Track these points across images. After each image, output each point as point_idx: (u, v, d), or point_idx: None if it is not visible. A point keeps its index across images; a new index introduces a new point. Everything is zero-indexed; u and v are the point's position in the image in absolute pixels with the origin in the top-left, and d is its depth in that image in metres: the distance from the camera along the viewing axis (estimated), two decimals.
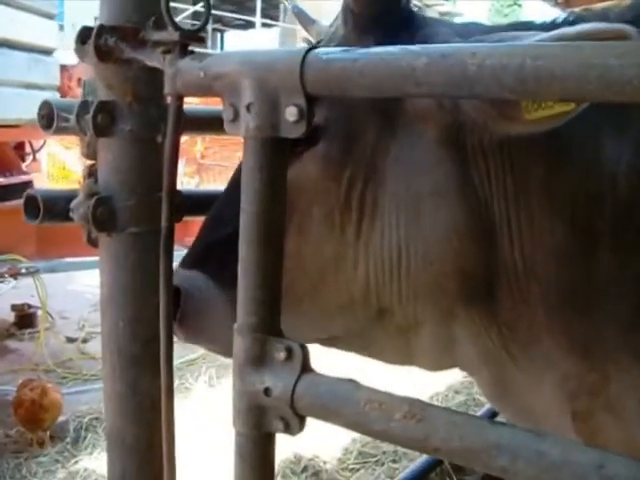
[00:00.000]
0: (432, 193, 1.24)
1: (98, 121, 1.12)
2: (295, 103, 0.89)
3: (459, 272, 1.26)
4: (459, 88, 0.78)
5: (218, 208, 1.38)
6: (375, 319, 1.33)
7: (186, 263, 1.33)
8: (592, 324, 1.22)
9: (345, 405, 0.89)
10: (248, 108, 0.92)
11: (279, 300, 0.97)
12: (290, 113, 0.89)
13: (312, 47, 0.90)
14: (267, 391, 0.94)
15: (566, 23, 1.27)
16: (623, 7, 1.31)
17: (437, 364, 1.45)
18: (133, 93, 1.14)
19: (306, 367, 0.93)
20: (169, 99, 1.08)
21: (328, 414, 0.91)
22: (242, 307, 0.96)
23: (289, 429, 0.95)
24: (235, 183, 1.38)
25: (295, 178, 1.20)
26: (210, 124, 1.39)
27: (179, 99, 1.05)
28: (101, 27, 1.10)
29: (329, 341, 1.40)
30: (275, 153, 0.92)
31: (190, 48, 1.05)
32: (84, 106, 1.14)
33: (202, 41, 1.06)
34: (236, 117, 0.94)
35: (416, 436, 0.84)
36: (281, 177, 0.94)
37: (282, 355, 0.94)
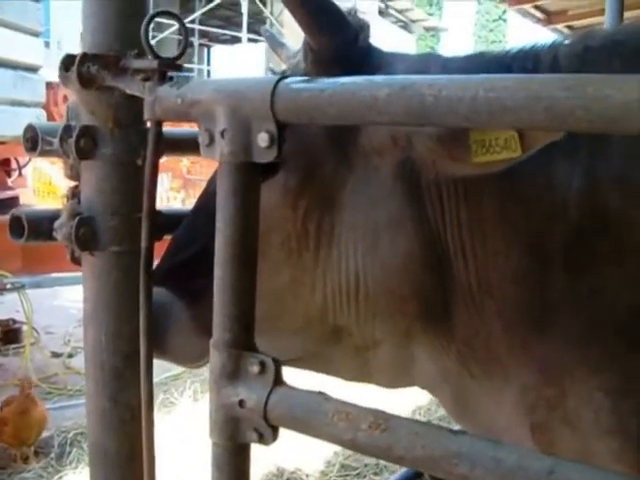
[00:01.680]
0: (388, 225, 1.29)
1: (81, 145, 1.17)
2: (266, 129, 0.94)
3: (416, 296, 1.32)
4: (418, 117, 0.83)
5: (184, 228, 1.43)
6: (333, 340, 1.38)
7: (154, 280, 1.38)
8: (548, 340, 1.26)
9: (315, 416, 0.93)
10: (222, 134, 0.97)
11: (253, 317, 1.01)
12: (262, 139, 0.94)
13: (282, 77, 0.95)
14: (241, 403, 0.98)
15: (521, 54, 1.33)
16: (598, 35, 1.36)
17: (395, 382, 1.50)
18: (114, 118, 1.18)
19: (278, 380, 0.98)
20: (149, 124, 1.13)
21: (299, 425, 0.95)
22: (218, 324, 1.00)
23: (263, 439, 0.99)
24: (200, 206, 1.43)
25: None
26: (190, 146, 1.43)
27: (158, 124, 1.10)
28: (84, 55, 1.15)
29: (289, 362, 1.43)
30: (248, 177, 0.97)
31: (169, 74, 1.10)
32: (67, 130, 1.19)
33: (180, 69, 1.10)
34: (211, 142, 0.99)
35: (381, 445, 0.88)
36: (254, 200, 0.98)
37: (256, 369, 0.98)
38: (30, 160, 6.75)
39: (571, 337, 1.24)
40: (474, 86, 0.79)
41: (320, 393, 0.96)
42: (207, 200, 1.40)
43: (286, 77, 0.95)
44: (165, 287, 1.35)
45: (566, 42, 1.33)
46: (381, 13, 22.14)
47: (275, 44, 1.77)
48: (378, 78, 0.87)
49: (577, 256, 1.24)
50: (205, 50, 25.30)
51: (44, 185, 9.42)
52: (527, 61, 1.30)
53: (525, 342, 1.29)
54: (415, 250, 1.30)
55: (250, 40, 20.31)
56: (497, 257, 1.29)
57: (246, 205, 0.97)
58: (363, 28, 1.33)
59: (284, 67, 1.57)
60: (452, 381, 1.40)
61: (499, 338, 1.31)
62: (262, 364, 0.98)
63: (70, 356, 5.98)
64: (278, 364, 0.98)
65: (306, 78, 0.94)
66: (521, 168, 1.22)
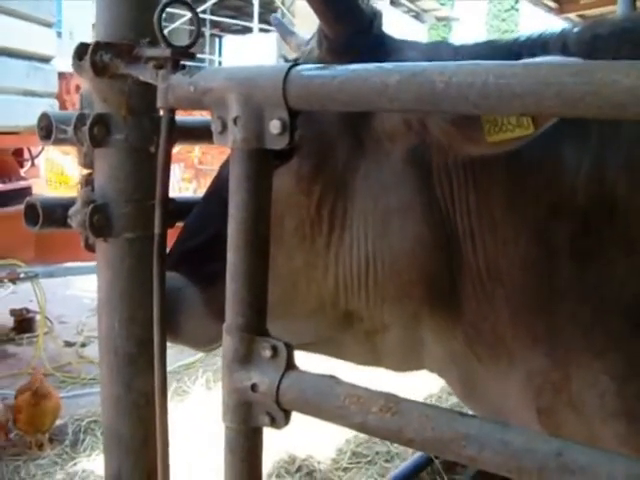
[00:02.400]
0: (399, 209, 1.31)
1: (94, 133, 1.18)
2: (278, 117, 0.95)
3: (425, 280, 1.33)
4: (428, 104, 0.84)
5: (196, 214, 1.45)
6: (344, 324, 1.40)
7: (167, 264, 1.39)
8: (554, 325, 1.27)
9: (326, 400, 0.94)
10: (235, 121, 0.98)
11: (265, 302, 1.03)
12: (274, 126, 0.95)
13: (294, 64, 0.96)
14: (254, 387, 1.00)
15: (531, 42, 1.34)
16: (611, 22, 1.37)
17: (404, 365, 1.52)
18: (128, 106, 1.20)
19: (290, 364, 0.99)
20: (162, 112, 1.14)
21: (311, 408, 0.97)
22: (230, 309, 1.02)
23: (275, 423, 1.01)
24: (212, 191, 1.44)
25: None
26: (202, 134, 1.45)
27: (171, 112, 1.11)
28: (97, 44, 1.16)
29: (301, 346, 1.45)
30: (260, 163, 0.98)
31: (182, 62, 1.12)
32: (81, 118, 1.20)
33: (192, 57, 1.11)
34: (224, 129, 1.00)
35: (391, 428, 0.90)
36: (266, 186, 1.00)
37: (268, 353, 1.00)
38: (43, 150, 6.79)
39: (577, 323, 1.25)
40: (484, 72, 0.80)
41: (331, 377, 0.97)
42: (219, 185, 1.42)
43: (298, 64, 0.96)
44: (178, 271, 1.37)
45: (575, 30, 1.33)
46: (393, 3, 22.07)
47: (285, 32, 1.78)
48: (389, 65, 0.88)
49: (584, 243, 1.24)
50: (217, 40, 25.29)
51: (56, 175, 9.47)
52: (536, 48, 1.31)
53: (531, 327, 1.30)
54: (424, 235, 1.32)
55: (261, 30, 20.28)
56: (506, 243, 1.30)
57: (258, 191, 0.98)
58: (376, 16, 1.34)
59: (294, 55, 1.58)
60: (459, 364, 1.42)
61: (506, 323, 1.32)
62: (274, 348, 0.99)
63: (83, 345, 6.01)
64: (290, 348, 0.99)
65: (318, 65, 0.95)
66: (530, 155, 1.24)
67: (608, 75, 0.73)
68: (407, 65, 0.87)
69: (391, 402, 0.90)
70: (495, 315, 1.33)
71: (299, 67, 0.95)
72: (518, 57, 1.29)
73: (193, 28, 1.14)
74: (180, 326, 1.37)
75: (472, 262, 1.33)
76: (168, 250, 1.34)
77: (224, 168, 1.45)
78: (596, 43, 1.28)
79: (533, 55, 1.28)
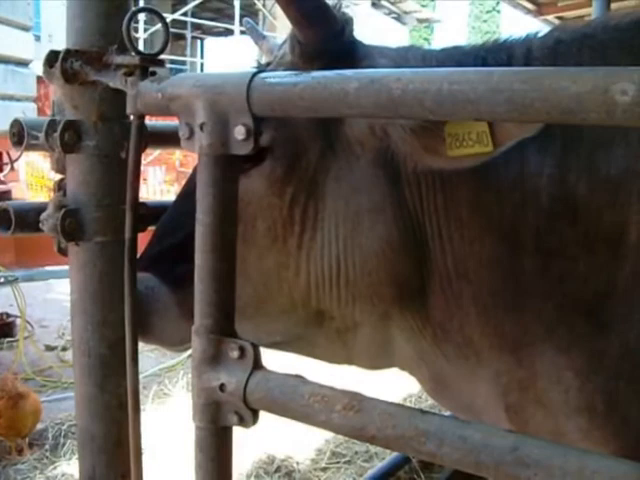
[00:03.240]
0: (369, 210, 1.34)
1: (65, 139, 1.20)
2: (243, 123, 0.97)
3: (394, 280, 1.36)
4: (386, 110, 0.87)
5: (169, 215, 1.47)
6: (315, 323, 1.43)
7: (139, 266, 1.41)
8: (520, 323, 1.31)
9: (292, 399, 0.97)
10: (201, 127, 1.00)
11: (233, 304, 1.05)
12: (239, 132, 0.98)
13: (259, 71, 0.98)
14: (222, 387, 1.02)
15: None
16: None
17: (375, 364, 1.55)
18: (98, 113, 1.21)
19: (257, 364, 1.01)
20: (132, 118, 1.16)
21: (277, 407, 0.99)
22: (198, 310, 1.04)
23: (243, 422, 1.03)
24: (184, 194, 1.47)
25: (242, 193, 1.28)
26: (174, 139, 1.46)
27: (140, 118, 1.13)
28: (67, 51, 1.18)
29: (273, 345, 1.49)
30: (226, 168, 1.01)
31: (151, 69, 1.14)
32: (52, 124, 1.22)
33: (161, 64, 1.13)
34: (191, 135, 1.02)
35: (354, 425, 0.92)
36: (232, 190, 1.02)
37: (235, 354, 1.02)
38: (22, 154, 6.75)
39: (542, 321, 1.29)
40: (439, 79, 0.83)
41: (297, 376, 1.00)
42: (192, 187, 1.42)
43: (262, 71, 0.98)
44: (151, 272, 1.38)
45: (539, 35, 1.37)
46: (374, 4, 22.11)
47: (257, 36, 1.81)
48: (348, 72, 0.91)
49: (548, 242, 1.28)
50: (198, 42, 25.25)
51: (37, 179, 9.41)
52: (501, 53, 1.34)
53: (498, 326, 1.33)
54: (393, 235, 1.34)
55: (243, 32, 20.26)
56: (472, 243, 1.33)
57: (224, 196, 1.00)
58: (348, 22, 1.37)
59: (266, 59, 1.61)
60: (429, 363, 1.44)
61: (473, 322, 1.35)
62: (241, 349, 1.01)
63: (64, 349, 5.99)
64: (257, 349, 1.02)
65: (281, 72, 0.97)
66: (495, 157, 1.27)
67: (556, 82, 0.76)
68: (366, 72, 0.90)
69: (354, 400, 0.93)
70: (462, 314, 1.36)
71: (263, 74, 0.97)
72: (484, 62, 1.33)
73: (174, 31, 1.16)
74: (152, 326, 1.38)
75: (440, 262, 1.36)
76: (140, 253, 1.36)
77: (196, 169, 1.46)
78: (559, 48, 1.32)
79: (499, 59, 1.32)
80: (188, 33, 20.88)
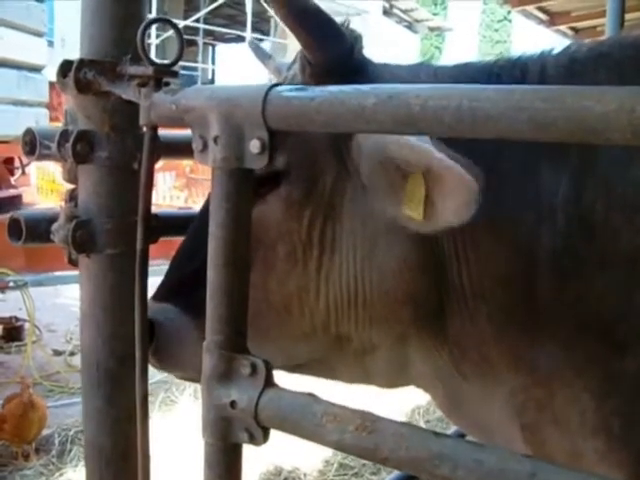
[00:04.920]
0: (385, 231, 1.33)
1: (77, 149, 1.19)
2: (258, 136, 0.96)
3: (411, 300, 1.35)
4: (404, 126, 0.85)
5: (187, 242, 1.46)
6: (335, 347, 1.42)
7: (158, 296, 1.41)
8: (536, 343, 1.29)
9: (304, 417, 0.95)
10: (215, 140, 0.99)
11: (245, 319, 1.03)
12: (254, 146, 0.96)
13: (275, 84, 0.97)
14: (233, 404, 1.00)
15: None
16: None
17: (393, 383, 1.54)
18: (111, 123, 1.20)
19: (269, 382, 1.00)
20: (145, 129, 1.15)
21: (288, 426, 0.97)
22: (210, 326, 1.02)
23: (254, 440, 1.01)
24: (203, 218, 1.45)
25: (260, 217, 1.30)
26: (187, 150, 1.45)
27: (153, 129, 1.12)
28: (81, 61, 1.17)
29: (293, 367, 1.48)
30: (240, 182, 0.99)
31: (165, 80, 1.13)
32: (64, 134, 1.21)
33: (175, 75, 1.12)
34: (205, 148, 1.01)
35: (367, 447, 0.90)
36: (246, 205, 1.00)
37: (247, 370, 1.00)
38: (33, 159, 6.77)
39: (558, 340, 1.27)
40: (459, 96, 0.81)
41: (310, 395, 0.98)
42: (205, 216, 1.43)
43: (278, 85, 0.97)
44: (170, 302, 1.38)
45: (553, 53, 1.35)
46: (385, 13, 22.15)
47: (262, 56, 1.80)
48: (366, 87, 0.89)
49: (563, 261, 1.26)
50: (210, 49, 25.33)
51: (48, 183, 9.44)
52: (515, 70, 1.33)
53: (514, 345, 1.32)
54: (411, 255, 1.33)
55: (255, 39, 20.34)
56: (488, 262, 1.32)
57: (238, 210, 0.99)
58: (357, 40, 1.36)
59: (274, 79, 1.60)
60: (445, 382, 1.43)
61: (490, 341, 1.34)
62: (253, 366, 1.00)
63: (72, 354, 6.00)
64: (269, 366, 1.00)
65: (297, 86, 0.96)
66: (509, 176, 1.25)
67: (579, 101, 0.74)
68: (384, 87, 0.88)
69: (367, 421, 0.91)
70: (479, 333, 1.34)
71: (279, 88, 0.96)
72: (499, 79, 1.31)
73: (186, 37, 1.15)
74: (175, 357, 1.38)
75: (456, 281, 1.34)
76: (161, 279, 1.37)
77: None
78: (574, 67, 1.31)
79: (513, 77, 1.31)
80: (200, 39, 20.96)
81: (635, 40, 1.34)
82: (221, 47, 26.29)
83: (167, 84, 1.12)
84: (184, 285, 1.40)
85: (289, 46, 21.01)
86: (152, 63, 1.10)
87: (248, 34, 19.58)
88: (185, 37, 1.16)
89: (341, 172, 1.34)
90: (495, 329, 1.32)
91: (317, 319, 1.38)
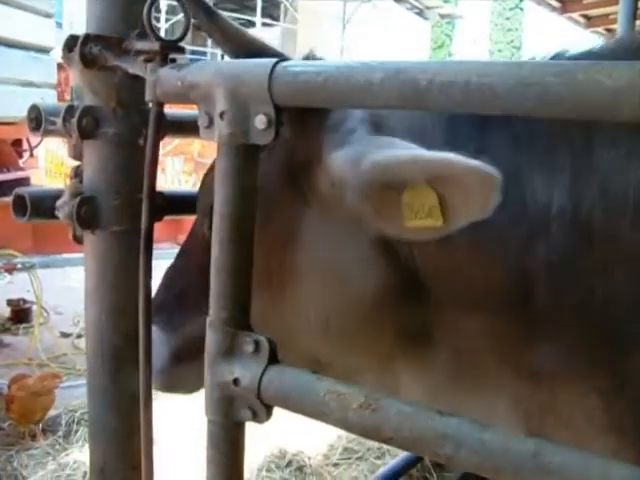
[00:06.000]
0: (356, 259, 1.28)
1: (83, 125, 1.18)
2: (264, 112, 0.95)
3: (392, 325, 1.32)
4: (411, 102, 0.84)
5: (170, 268, 1.51)
6: (320, 371, 1.39)
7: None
8: (537, 351, 1.25)
9: (307, 395, 0.95)
10: (221, 116, 0.98)
11: (249, 297, 1.03)
12: (260, 121, 0.95)
13: (281, 59, 0.96)
14: (236, 381, 1.00)
15: None
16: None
17: None
18: (117, 99, 1.20)
19: (272, 359, 0.99)
20: (150, 105, 1.14)
21: (291, 404, 0.97)
22: (214, 303, 1.02)
23: (257, 417, 1.01)
24: (186, 244, 1.51)
25: None
26: (192, 128, 1.45)
27: (159, 105, 1.11)
28: (87, 36, 1.16)
29: None
30: (246, 158, 0.99)
31: (171, 56, 1.12)
32: (70, 110, 1.20)
33: (181, 51, 1.11)
34: (210, 124, 1.00)
35: (370, 425, 0.90)
36: (252, 181, 1.00)
37: (250, 348, 1.00)
38: (42, 141, 6.80)
39: (559, 347, 1.23)
40: (467, 72, 0.80)
41: (313, 372, 0.98)
42: (189, 245, 1.50)
43: (284, 60, 0.96)
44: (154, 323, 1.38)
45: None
46: (396, 0, 22.04)
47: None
48: (373, 62, 0.88)
49: (563, 272, 1.22)
50: None
51: (56, 166, 9.47)
52: None
53: (514, 355, 1.27)
54: (389, 283, 1.29)
55: (264, 24, 20.28)
56: (473, 281, 1.27)
57: (243, 186, 0.98)
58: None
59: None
60: (440, 398, 1.39)
61: (486, 354, 1.30)
62: (256, 343, 1.00)
63: (79, 336, 6.00)
64: (272, 344, 1.00)
65: (304, 62, 0.95)
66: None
67: (590, 76, 0.73)
68: (392, 63, 0.87)
69: (371, 399, 0.90)
70: (472, 347, 1.31)
71: (285, 63, 0.95)
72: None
73: (195, 22, 1.14)
74: (158, 376, 1.39)
75: (441, 301, 1.30)
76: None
77: (195, 223, 1.49)
78: None
79: None
80: None
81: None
82: None
83: (173, 61, 1.11)
84: (165, 307, 1.44)
85: (299, 31, 20.95)
86: (158, 38, 1.10)
87: (258, 19, 19.54)
88: (194, 21, 1.15)
89: (299, 201, 1.30)
90: (493, 342, 1.29)
91: (290, 346, 1.29)
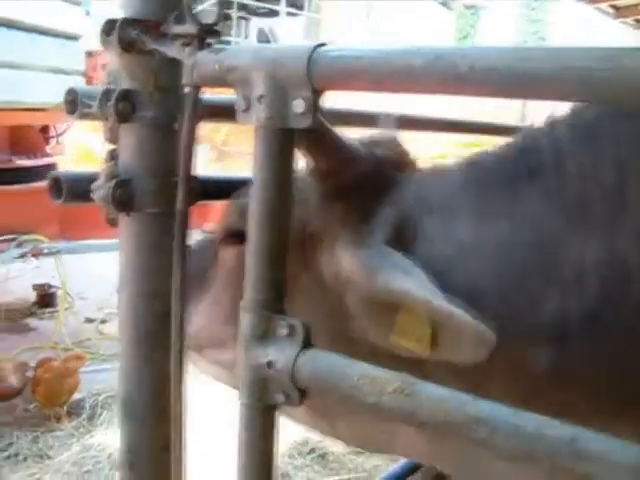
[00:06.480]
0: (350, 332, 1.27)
1: (120, 108, 1.19)
2: (303, 96, 0.95)
3: None
4: (452, 87, 0.84)
5: None
6: None
7: None
8: (568, 393, 1.21)
9: (341, 379, 0.95)
10: (259, 100, 0.98)
11: (284, 280, 1.03)
12: (298, 105, 0.96)
13: (320, 44, 0.96)
14: (270, 364, 1.01)
15: None
16: None
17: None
18: (154, 82, 1.20)
19: (307, 343, 1.00)
20: (187, 89, 1.14)
21: (325, 387, 0.98)
22: (249, 286, 1.03)
23: (290, 401, 1.02)
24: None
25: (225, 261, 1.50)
26: (226, 113, 1.45)
27: (196, 89, 1.12)
28: (125, 20, 1.17)
29: None
30: (284, 142, 0.99)
31: (208, 41, 1.12)
32: (107, 93, 1.21)
33: (218, 35, 1.12)
34: (248, 108, 1.01)
35: (405, 410, 0.90)
36: (288, 164, 1.00)
37: (285, 331, 1.01)
38: (68, 127, 6.84)
39: (592, 391, 1.19)
40: (508, 57, 0.80)
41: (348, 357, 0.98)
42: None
43: (323, 44, 0.96)
44: None
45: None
46: None
47: None
48: (412, 47, 0.88)
49: (598, 322, 1.17)
50: (243, 23, 25.22)
51: (81, 152, 9.52)
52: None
53: (545, 407, 1.24)
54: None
55: (289, 14, 20.21)
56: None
57: (281, 169, 0.99)
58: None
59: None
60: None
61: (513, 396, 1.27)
62: (291, 327, 1.00)
63: (103, 322, 6.08)
64: (307, 327, 1.00)
65: (344, 46, 0.95)
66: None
67: (636, 61, 0.73)
68: (431, 48, 0.87)
69: (405, 384, 0.91)
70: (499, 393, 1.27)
71: (324, 47, 0.95)
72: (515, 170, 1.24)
73: (214, 10, 1.14)
74: None
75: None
76: None
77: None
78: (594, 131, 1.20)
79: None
80: (234, 13, 20.85)
81: None
82: (255, 21, 26.17)
83: (209, 45, 1.12)
84: None
85: (323, 21, 20.88)
86: (197, 22, 1.10)
87: (282, 8, 19.49)
88: (217, 10, 1.16)
89: (299, 264, 1.31)
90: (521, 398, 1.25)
91: None
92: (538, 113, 1.22)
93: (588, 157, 1.18)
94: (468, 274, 1.18)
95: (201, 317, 1.57)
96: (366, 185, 1.32)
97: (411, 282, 1.12)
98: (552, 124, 1.25)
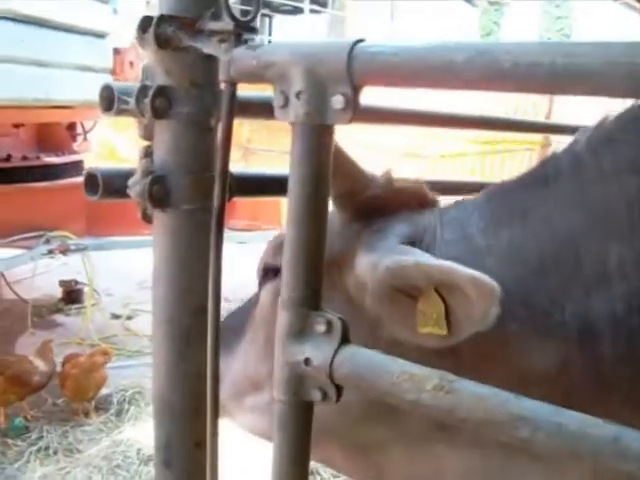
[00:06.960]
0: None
1: (156, 104, 1.19)
2: (342, 92, 0.95)
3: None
4: (494, 83, 0.84)
5: None
6: None
7: None
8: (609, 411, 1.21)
9: (380, 376, 0.95)
10: (297, 95, 0.98)
11: (321, 277, 1.03)
12: (337, 101, 0.95)
13: (359, 40, 0.96)
14: (307, 361, 1.00)
15: None
16: None
17: None
18: (190, 79, 1.20)
19: (345, 340, 1.00)
20: (223, 85, 1.15)
21: (364, 384, 0.97)
22: (286, 283, 1.03)
23: (327, 398, 1.01)
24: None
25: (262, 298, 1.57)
26: (261, 110, 1.46)
27: (232, 85, 1.12)
28: (161, 17, 1.17)
29: None
30: (322, 138, 0.99)
31: (244, 37, 1.12)
32: (143, 90, 1.21)
33: (255, 31, 1.12)
34: (286, 104, 1.00)
35: (444, 407, 0.90)
36: (326, 160, 1.00)
37: (322, 328, 1.00)
38: (95, 125, 6.89)
39: (628, 391, 1.18)
40: (552, 52, 0.79)
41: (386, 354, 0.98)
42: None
43: (362, 40, 0.95)
44: None
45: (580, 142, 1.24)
46: None
47: None
48: (452, 43, 0.87)
49: (625, 323, 1.15)
50: (267, 20, 25.24)
51: (107, 151, 9.59)
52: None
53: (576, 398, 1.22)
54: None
55: (312, 11, 20.19)
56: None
57: (319, 165, 0.98)
58: None
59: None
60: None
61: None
62: (329, 323, 1.00)
63: (129, 318, 6.11)
64: (345, 324, 1.00)
65: (383, 43, 0.94)
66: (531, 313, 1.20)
67: None
68: (472, 43, 0.86)
69: (445, 381, 0.90)
70: None
71: (363, 43, 0.94)
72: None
73: (245, 8, 1.14)
74: None
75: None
76: None
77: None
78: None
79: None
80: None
81: None
82: (278, 19, 26.18)
83: (245, 41, 1.12)
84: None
85: (347, 18, 20.84)
86: (234, 19, 1.10)
87: (306, 6, 19.47)
88: (242, 7, 1.16)
89: (331, 288, 1.29)
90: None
91: None
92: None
93: (609, 161, 1.17)
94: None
95: (237, 361, 1.59)
96: (381, 205, 1.36)
97: (407, 255, 1.16)
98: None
